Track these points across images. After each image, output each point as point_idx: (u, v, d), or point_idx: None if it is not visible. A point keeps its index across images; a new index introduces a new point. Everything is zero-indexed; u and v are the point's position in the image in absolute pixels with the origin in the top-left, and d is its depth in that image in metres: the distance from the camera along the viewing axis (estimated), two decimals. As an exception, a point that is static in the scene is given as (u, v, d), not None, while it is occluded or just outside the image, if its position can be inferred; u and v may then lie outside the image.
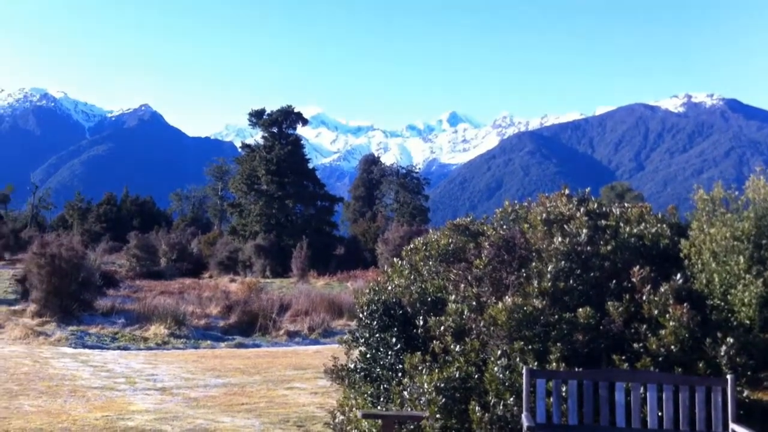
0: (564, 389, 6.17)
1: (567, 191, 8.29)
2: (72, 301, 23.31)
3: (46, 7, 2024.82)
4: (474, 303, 7.36)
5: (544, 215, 7.88)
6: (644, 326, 6.59)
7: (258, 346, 21.20)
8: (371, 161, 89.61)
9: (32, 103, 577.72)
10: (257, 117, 58.99)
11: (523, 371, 6.16)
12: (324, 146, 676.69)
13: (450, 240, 8.19)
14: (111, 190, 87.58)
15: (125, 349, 19.30)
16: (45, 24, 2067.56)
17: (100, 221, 76.73)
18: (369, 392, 7.73)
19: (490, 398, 6.54)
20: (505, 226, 8.32)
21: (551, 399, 6.13)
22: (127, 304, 25.74)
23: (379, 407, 7.47)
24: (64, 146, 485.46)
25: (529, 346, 6.63)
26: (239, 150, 68.02)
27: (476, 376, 6.74)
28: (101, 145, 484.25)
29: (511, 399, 6.38)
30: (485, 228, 8.45)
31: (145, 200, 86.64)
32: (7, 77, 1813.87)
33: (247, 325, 23.43)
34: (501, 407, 6.39)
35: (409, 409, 6.81)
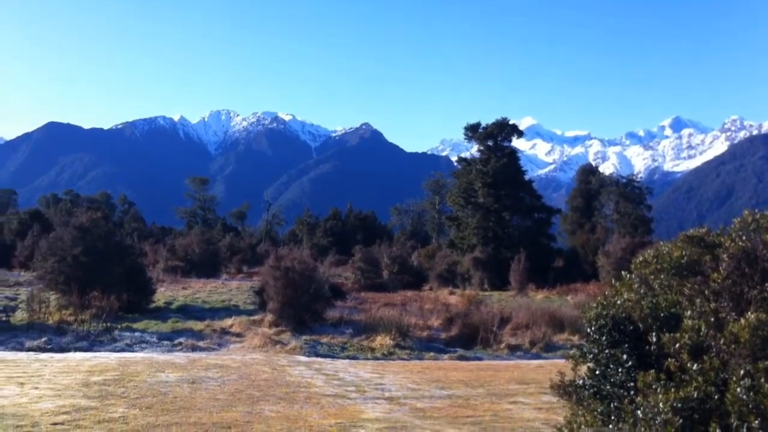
0: (820, 414, 5.68)
1: (816, 198, 7.61)
2: (304, 311, 24.76)
3: (273, 36, 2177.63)
4: (712, 319, 6.96)
5: (790, 225, 7.30)
6: None
7: (479, 358, 21.32)
8: (589, 171, 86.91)
9: (264, 126, 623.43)
10: (473, 131, 59.39)
11: (771, 393, 5.74)
12: (539, 157, 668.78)
13: (683, 252, 7.79)
14: (336, 206, 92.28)
15: (354, 358, 20.15)
16: (272, 51, 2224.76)
17: (327, 235, 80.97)
18: (599, 410, 7.53)
19: (733, 421, 6.15)
20: (744, 237, 7.78)
21: (804, 424, 5.67)
22: (354, 315, 26.91)
23: (610, 426, 7.26)
24: (293, 165, 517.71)
25: (777, 367, 6.16)
26: (455, 164, 68.89)
27: (716, 397, 6.37)
28: (326, 164, 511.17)
29: (756, 422, 5.96)
30: (722, 239, 7.94)
31: (367, 215, 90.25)
32: (241, 103, 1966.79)
33: (468, 337, 23.64)
34: (745, 430, 6.00)
35: (643, 429, 6.57)
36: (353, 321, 25.70)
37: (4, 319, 24.26)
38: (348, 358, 20.20)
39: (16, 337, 21.01)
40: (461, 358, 21.16)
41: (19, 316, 24.95)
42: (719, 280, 7.09)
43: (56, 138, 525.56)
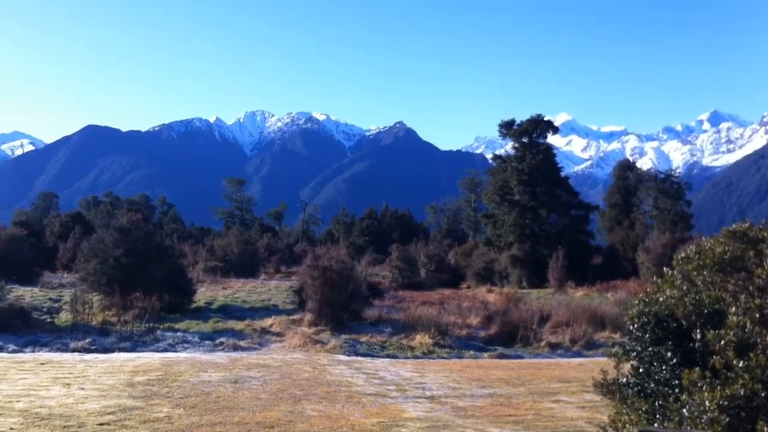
0: None
1: None
2: (343, 310, 24.90)
3: (307, 36, 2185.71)
4: (757, 315, 6.88)
5: (836, 220, 7.18)
6: None
7: (520, 357, 21.24)
8: (626, 167, 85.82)
9: (299, 126, 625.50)
10: (507, 128, 59.01)
11: (821, 391, 5.66)
12: (575, 154, 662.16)
13: (726, 248, 7.70)
14: (371, 205, 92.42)
15: (393, 357, 20.21)
16: (306, 51, 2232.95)
17: (363, 235, 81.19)
18: (643, 408, 7.48)
19: (781, 419, 6.08)
20: (789, 232, 7.67)
21: None
22: (393, 314, 26.97)
23: (655, 424, 7.21)
24: (328, 165, 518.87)
25: (825, 363, 6.08)
26: (490, 161, 68.49)
27: (763, 395, 6.30)
28: (361, 163, 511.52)
29: (806, 420, 5.89)
30: (766, 234, 7.85)
31: (403, 214, 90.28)
32: (276, 104, 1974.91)
33: (507, 335, 23.56)
34: (794, 429, 5.93)
35: (689, 428, 6.51)
36: (392, 320, 25.75)
37: (48, 320, 24.77)
38: (388, 356, 20.26)
39: (61, 339, 21.43)
40: (501, 356, 21.10)
41: (63, 318, 25.44)
42: (764, 276, 7.01)
43: (95, 141, 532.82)
